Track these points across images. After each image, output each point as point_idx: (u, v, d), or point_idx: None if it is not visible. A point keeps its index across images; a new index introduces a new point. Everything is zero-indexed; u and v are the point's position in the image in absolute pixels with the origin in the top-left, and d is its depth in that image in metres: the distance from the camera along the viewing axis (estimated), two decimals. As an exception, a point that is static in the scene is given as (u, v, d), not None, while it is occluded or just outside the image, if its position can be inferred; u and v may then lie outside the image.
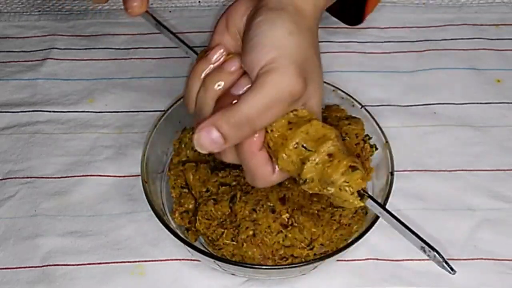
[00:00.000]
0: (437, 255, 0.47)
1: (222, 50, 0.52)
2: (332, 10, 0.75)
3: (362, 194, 0.48)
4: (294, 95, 0.48)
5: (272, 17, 0.50)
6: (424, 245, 0.47)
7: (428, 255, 0.48)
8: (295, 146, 0.49)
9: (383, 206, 0.49)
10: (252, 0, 0.53)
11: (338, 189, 0.48)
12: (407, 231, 0.48)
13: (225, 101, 0.50)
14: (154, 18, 0.60)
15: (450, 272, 0.48)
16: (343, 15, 0.75)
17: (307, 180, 0.49)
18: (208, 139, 0.48)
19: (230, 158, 0.52)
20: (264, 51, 0.49)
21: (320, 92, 0.52)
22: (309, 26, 0.52)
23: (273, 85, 0.48)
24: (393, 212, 0.49)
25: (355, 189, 0.48)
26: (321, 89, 0.52)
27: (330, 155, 0.49)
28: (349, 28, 0.79)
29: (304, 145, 0.49)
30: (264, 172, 0.51)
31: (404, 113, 0.72)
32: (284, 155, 0.49)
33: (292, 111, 0.50)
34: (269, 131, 0.50)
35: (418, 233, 0.48)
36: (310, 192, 0.50)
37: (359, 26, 0.75)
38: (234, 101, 0.49)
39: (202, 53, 0.54)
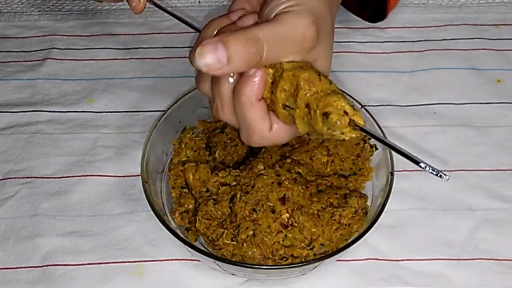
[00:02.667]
0: (433, 169, 0.46)
1: (245, 11, 0.52)
2: (350, 6, 0.75)
3: (353, 126, 0.46)
4: (305, 39, 0.48)
5: None
6: (421, 162, 0.46)
7: (428, 170, 0.46)
8: (282, 108, 0.49)
9: (370, 133, 0.47)
10: None
11: (329, 136, 0.47)
12: (402, 153, 0.47)
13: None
14: (157, 4, 0.60)
15: (444, 178, 0.47)
16: (362, 12, 0.75)
17: (308, 134, 0.48)
18: (212, 54, 0.45)
19: (228, 115, 0.50)
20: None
21: (329, 58, 0.51)
22: None
23: (288, 22, 0.47)
24: (383, 139, 0.48)
25: (341, 130, 0.46)
26: (330, 56, 0.51)
27: (307, 105, 0.47)
28: (349, 28, 0.79)
29: (287, 104, 0.48)
30: (261, 127, 0.49)
31: (404, 113, 0.72)
32: (279, 114, 0.49)
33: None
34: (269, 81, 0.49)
35: (413, 155, 0.47)
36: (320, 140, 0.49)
37: (369, 25, 0.75)
38: None
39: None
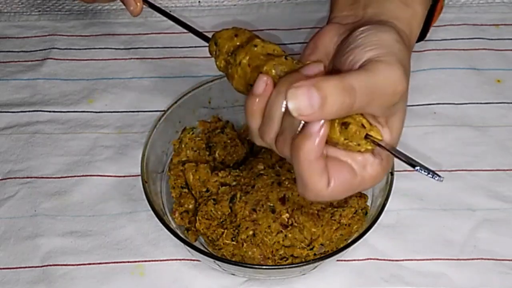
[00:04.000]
0: (428, 171, 0.45)
1: (265, 78, 0.47)
2: None
3: (370, 140, 0.46)
4: (397, 93, 0.45)
5: (377, 26, 0.48)
6: (418, 166, 0.45)
7: (422, 172, 0.45)
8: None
9: (386, 148, 0.46)
10: (342, 24, 0.51)
11: (345, 146, 0.46)
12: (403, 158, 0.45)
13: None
14: (154, 7, 0.60)
15: (439, 179, 0.45)
16: None
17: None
18: (306, 97, 0.42)
19: (286, 152, 0.47)
20: (368, 49, 0.46)
21: (403, 117, 0.48)
22: (409, 46, 0.49)
23: (381, 73, 0.44)
24: (397, 154, 0.46)
25: (357, 141, 0.46)
26: (405, 116, 0.48)
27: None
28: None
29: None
30: (317, 186, 0.45)
31: (404, 113, 0.72)
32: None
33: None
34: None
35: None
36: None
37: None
38: None
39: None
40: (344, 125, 0.45)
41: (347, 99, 0.43)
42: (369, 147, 0.46)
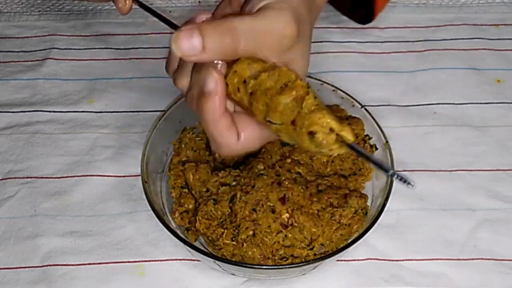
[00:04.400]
0: (400, 177, 0.44)
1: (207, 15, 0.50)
2: (342, 8, 0.75)
3: (341, 143, 0.45)
4: (285, 36, 0.47)
5: None
6: (391, 172, 0.44)
7: (400, 180, 0.44)
8: (264, 120, 0.47)
9: (357, 149, 0.45)
10: None
11: (317, 152, 0.46)
12: (375, 162, 0.45)
13: None
14: (142, 5, 0.61)
15: (410, 186, 0.44)
16: (353, 14, 0.75)
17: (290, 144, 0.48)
18: (187, 40, 0.45)
19: (194, 107, 0.49)
20: None
21: (307, 60, 0.50)
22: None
23: (268, 17, 0.47)
24: (368, 156, 0.46)
25: (328, 147, 0.45)
26: (308, 58, 0.50)
27: (292, 122, 0.46)
28: (349, 28, 0.79)
29: (268, 119, 0.47)
30: (228, 140, 0.48)
31: (404, 113, 0.72)
32: (257, 118, 0.48)
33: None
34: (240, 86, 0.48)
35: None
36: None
37: (369, 25, 0.75)
38: None
39: None
40: (310, 134, 0.45)
41: (227, 39, 0.45)
42: (342, 151, 0.45)
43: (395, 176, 0.44)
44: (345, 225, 0.58)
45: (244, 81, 0.47)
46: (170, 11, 0.82)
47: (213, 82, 0.47)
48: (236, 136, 0.48)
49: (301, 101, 0.46)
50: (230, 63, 0.48)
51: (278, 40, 0.47)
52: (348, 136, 0.45)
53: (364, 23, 0.75)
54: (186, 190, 0.62)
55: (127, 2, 0.60)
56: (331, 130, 0.44)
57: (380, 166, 0.45)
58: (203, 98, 0.47)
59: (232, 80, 0.48)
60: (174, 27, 0.55)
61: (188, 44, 0.45)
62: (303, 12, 0.49)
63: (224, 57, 0.47)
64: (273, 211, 0.57)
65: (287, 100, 0.46)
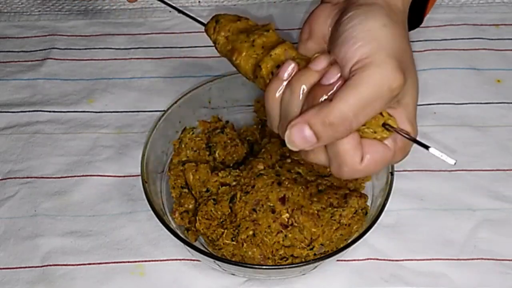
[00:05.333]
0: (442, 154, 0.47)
1: (293, 65, 0.48)
2: None
3: (387, 128, 0.47)
4: (393, 90, 0.45)
5: (364, 11, 0.47)
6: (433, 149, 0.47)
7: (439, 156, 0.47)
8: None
9: (403, 135, 0.47)
10: (333, 4, 0.51)
11: (362, 133, 0.46)
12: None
13: (315, 95, 0.47)
14: None
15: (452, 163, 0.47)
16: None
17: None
18: (300, 136, 0.45)
19: (320, 158, 0.48)
20: (358, 44, 0.46)
21: (417, 88, 0.49)
22: (401, 19, 0.49)
23: (371, 82, 0.45)
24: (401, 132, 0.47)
25: (374, 128, 0.46)
26: (417, 85, 0.49)
27: None
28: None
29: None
30: (353, 158, 0.46)
31: (404, 113, 0.72)
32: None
33: None
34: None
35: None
36: None
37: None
38: (324, 98, 0.46)
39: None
40: None
41: (340, 127, 0.45)
42: (385, 135, 0.46)
43: (436, 152, 0.47)
44: (345, 225, 0.58)
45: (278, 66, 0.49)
46: (170, 11, 0.82)
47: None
48: (361, 156, 0.47)
49: None
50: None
51: (388, 98, 0.45)
52: (394, 124, 0.46)
53: (413, 28, 0.74)
54: (186, 190, 0.62)
55: None
56: (381, 114, 0.46)
57: (421, 144, 0.47)
58: None
59: (266, 64, 0.49)
60: (183, 12, 0.57)
61: (302, 139, 0.46)
62: (401, 42, 0.47)
63: (339, 139, 0.46)
64: (273, 211, 0.57)
65: None
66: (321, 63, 0.48)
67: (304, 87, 0.47)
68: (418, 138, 0.48)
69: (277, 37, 0.52)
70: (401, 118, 0.47)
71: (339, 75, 0.46)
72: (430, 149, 0.47)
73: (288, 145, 0.46)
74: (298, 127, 0.45)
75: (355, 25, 0.47)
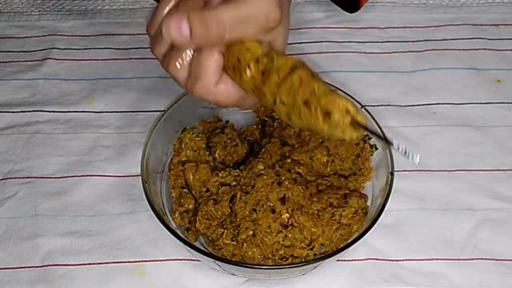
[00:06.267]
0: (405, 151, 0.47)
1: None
2: None
3: (355, 126, 0.46)
4: (269, 21, 0.49)
5: None
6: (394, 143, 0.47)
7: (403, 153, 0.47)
8: (273, 100, 0.48)
9: (372, 132, 0.48)
10: None
11: (328, 134, 0.47)
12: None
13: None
14: None
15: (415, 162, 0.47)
16: (341, 2, 0.76)
17: (293, 124, 0.49)
18: (176, 27, 0.47)
19: (181, 74, 0.52)
20: None
21: (286, 38, 0.53)
22: None
23: (252, 4, 0.48)
24: (383, 136, 0.48)
25: (342, 129, 0.46)
26: (287, 36, 0.53)
27: (305, 102, 0.47)
28: (349, 28, 0.79)
29: (281, 98, 0.48)
30: (210, 78, 0.50)
31: (404, 113, 0.72)
32: (266, 99, 0.49)
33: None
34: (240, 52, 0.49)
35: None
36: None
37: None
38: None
39: None
40: (327, 114, 0.45)
41: (212, 28, 0.48)
42: (354, 136, 0.46)
43: (399, 148, 0.46)
44: (345, 225, 0.58)
45: (257, 60, 0.49)
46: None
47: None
48: (217, 80, 0.50)
49: (309, 83, 0.47)
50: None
51: (263, 25, 0.49)
52: (363, 120, 0.46)
53: (351, 12, 0.76)
54: (186, 190, 0.62)
55: None
56: (347, 111, 0.45)
57: (384, 138, 0.48)
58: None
59: (244, 56, 0.49)
60: None
61: (177, 30, 0.48)
62: None
63: (210, 44, 0.49)
64: (273, 211, 0.57)
65: (300, 78, 0.47)
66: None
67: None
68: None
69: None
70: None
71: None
72: (393, 144, 0.46)
73: (163, 30, 0.48)
74: (177, 17, 0.47)
75: None
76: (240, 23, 0.48)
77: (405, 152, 0.46)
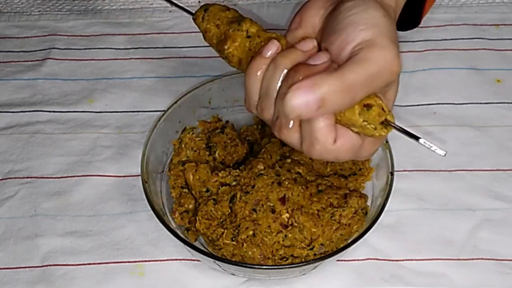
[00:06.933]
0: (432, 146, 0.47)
1: (277, 44, 0.49)
2: None
3: (386, 124, 0.47)
4: (393, 74, 0.46)
5: (363, 2, 0.48)
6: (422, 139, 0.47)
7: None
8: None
9: (403, 129, 0.48)
10: None
11: (361, 128, 0.47)
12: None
13: (298, 71, 0.46)
14: None
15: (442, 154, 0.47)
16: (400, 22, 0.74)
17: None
18: (303, 100, 0.44)
19: (293, 137, 0.48)
20: (361, 28, 0.46)
21: (398, 86, 0.50)
22: (393, 17, 0.51)
23: (377, 59, 0.45)
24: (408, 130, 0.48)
25: (375, 124, 0.47)
26: (398, 84, 0.50)
27: None
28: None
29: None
30: (326, 138, 0.46)
31: (404, 113, 0.72)
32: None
33: None
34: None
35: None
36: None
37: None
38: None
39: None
40: (367, 107, 0.46)
41: (347, 97, 0.45)
42: (383, 133, 0.47)
43: (427, 143, 0.47)
44: (345, 225, 0.58)
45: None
46: (170, 11, 0.82)
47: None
48: (334, 138, 0.47)
49: None
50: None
51: (387, 79, 0.47)
52: (393, 120, 0.47)
53: (409, 29, 0.74)
54: (186, 190, 0.62)
55: None
56: (383, 109, 0.46)
57: (412, 135, 0.47)
58: None
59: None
60: (171, 2, 0.57)
61: (304, 105, 0.44)
62: (395, 37, 0.48)
63: (339, 110, 0.46)
64: (273, 211, 0.57)
65: None
66: (307, 45, 0.49)
67: (288, 64, 0.47)
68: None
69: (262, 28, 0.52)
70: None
71: (327, 58, 0.47)
72: (420, 140, 0.47)
73: (285, 109, 0.45)
74: (303, 89, 0.44)
75: (357, 13, 0.47)
76: (369, 83, 0.45)
77: (432, 147, 0.47)
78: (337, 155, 0.48)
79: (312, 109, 0.44)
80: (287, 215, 0.57)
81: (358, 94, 0.45)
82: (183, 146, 0.64)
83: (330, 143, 0.47)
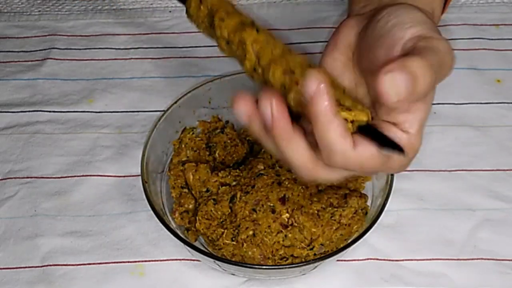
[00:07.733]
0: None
1: (273, 101, 0.44)
2: None
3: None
4: (452, 67, 0.44)
5: (401, 7, 0.47)
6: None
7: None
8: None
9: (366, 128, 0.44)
10: (360, 14, 0.51)
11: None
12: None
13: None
14: None
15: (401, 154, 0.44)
16: None
17: None
18: (404, 81, 0.40)
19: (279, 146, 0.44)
20: (407, 26, 0.45)
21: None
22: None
23: (439, 48, 0.43)
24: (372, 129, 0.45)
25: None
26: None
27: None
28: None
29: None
30: (343, 146, 0.42)
31: (404, 113, 0.71)
32: None
33: None
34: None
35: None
36: None
37: None
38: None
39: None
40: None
41: (433, 76, 0.42)
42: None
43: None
44: (345, 225, 0.58)
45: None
46: (170, 11, 0.82)
47: (316, 83, 0.41)
48: (351, 142, 0.43)
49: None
50: None
51: (449, 70, 0.45)
52: (362, 117, 0.44)
53: None
54: (186, 190, 0.62)
55: None
56: (346, 120, 0.43)
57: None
58: (312, 101, 0.41)
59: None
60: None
61: (405, 83, 0.40)
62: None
63: (424, 95, 0.43)
64: (273, 211, 0.57)
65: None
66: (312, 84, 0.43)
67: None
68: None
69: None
70: (420, 116, 0.46)
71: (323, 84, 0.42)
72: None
73: (390, 91, 0.40)
74: (398, 69, 0.40)
75: (400, 15, 0.46)
76: (439, 70, 0.43)
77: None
78: (362, 161, 0.43)
79: (409, 90, 0.41)
80: (287, 215, 0.57)
81: (436, 77, 0.43)
82: (183, 146, 0.64)
83: (350, 149, 0.43)
